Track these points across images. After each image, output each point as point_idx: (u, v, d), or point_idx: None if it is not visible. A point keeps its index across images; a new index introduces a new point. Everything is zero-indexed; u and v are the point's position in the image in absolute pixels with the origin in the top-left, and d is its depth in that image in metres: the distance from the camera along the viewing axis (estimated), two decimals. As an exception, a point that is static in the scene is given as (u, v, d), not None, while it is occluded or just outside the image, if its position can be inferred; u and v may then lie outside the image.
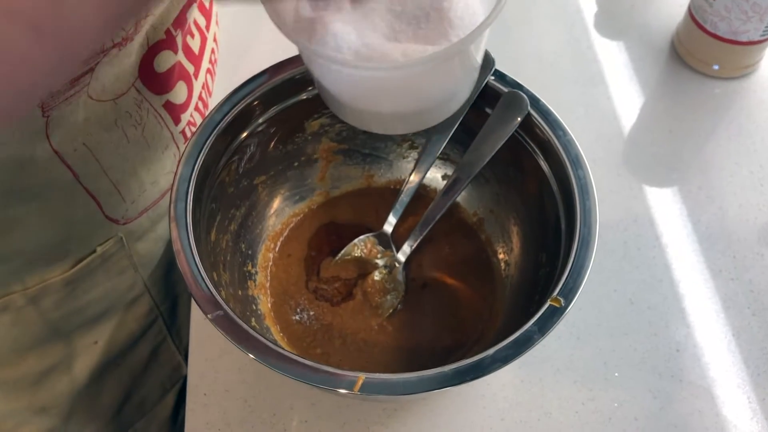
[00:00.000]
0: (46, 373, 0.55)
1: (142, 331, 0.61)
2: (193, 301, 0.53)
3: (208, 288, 0.40)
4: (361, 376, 0.37)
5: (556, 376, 0.50)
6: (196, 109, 0.57)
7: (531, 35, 0.72)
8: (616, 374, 0.50)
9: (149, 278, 0.59)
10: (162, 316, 0.62)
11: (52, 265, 0.50)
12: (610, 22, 0.73)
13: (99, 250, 0.52)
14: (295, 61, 0.49)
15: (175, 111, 0.53)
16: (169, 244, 0.59)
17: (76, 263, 0.51)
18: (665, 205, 0.59)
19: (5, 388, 0.54)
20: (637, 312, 0.53)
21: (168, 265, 0.61)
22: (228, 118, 0.46)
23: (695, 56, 0.66)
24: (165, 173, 0.54)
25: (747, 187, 0.60)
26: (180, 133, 0.55)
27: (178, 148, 0.55)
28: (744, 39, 0.62)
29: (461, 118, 0.49)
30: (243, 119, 0.48)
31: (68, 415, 0.58)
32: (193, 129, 0.55)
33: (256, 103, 0.48)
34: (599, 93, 0.67)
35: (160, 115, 0.52)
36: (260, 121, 0.49)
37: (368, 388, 0.37)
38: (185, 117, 0.55)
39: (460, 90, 0.41)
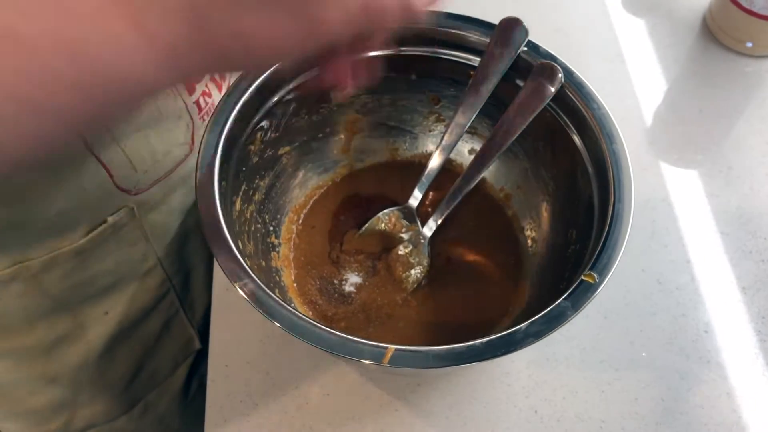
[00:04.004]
0: (57, 342, 0.54)
1: (154, 303, 0.60)
2: (215, 271, 0.53)
3: (236, 257, 0.39)
4: (391, 348, 0.36)
5: (582, 355, 0.49)
6: (212, 79, 0.56)
7: (559, 10, 0.70)
8: (643, 354, 0.49)
9: (162, 250, 0.58)
10: (174, 289, 0.61)
11: (63, 235, 0.49)
12: (639, -2, 0.71)
13: (110, 220, 0.51)
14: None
15: (189, 80, 0.52)
16: (182, 215, 0.59)
17: (87, 233, 0.50)
18: (695, 185, 0.58)
19: (16, 357, 0.54)
20: (665, 292, 0.52)
21: (182, 237, 0.60)
22: (254, 86, 0.45)
23: (728, 33, 0.64)
24: (178, 144, 0.53)
25: (779, 168, 0.58)
26: (194, 103, 0.53)
27: (191, 118, 0.53)
28: (780, 16, 0.60)
29: (491, 91, 0.48)
30: (269, 87, 0.47)
31: (79, 385, 0.58)
32: (208, 100, 0.54)
33: (282, 70, 0.47)
34: (628, 70, 0.65)
35: (174, 85, 0.51)
36: (286, 89, 0.48)
37: (398, 360, 0.36)
38: (200, 87, 0.54)
39: None
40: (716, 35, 0.66)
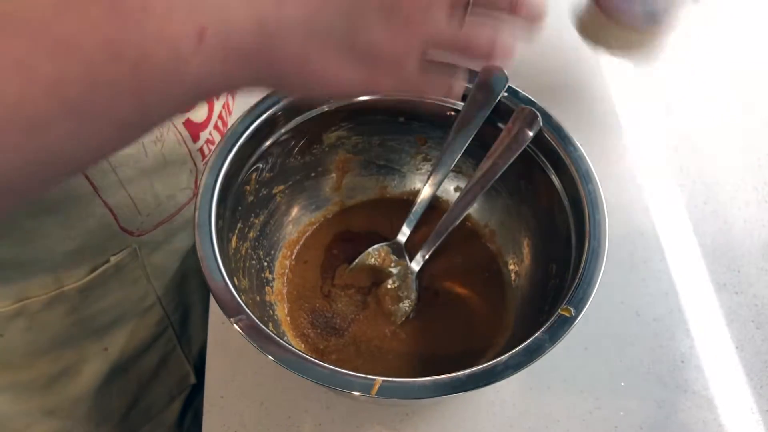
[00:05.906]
0: (57, 377, 0.56)
1: (152, 340, 0.62)
2: (211, 306, 0.55)
3: (231, 293, 0.41)
4: (378, 380, 0.38)
5: (563, 384, 0.51)
6: (216, 127, 0.58)
7: (538, 52, 0.73)
8: (622, 384, 0.51)
9: (162, 289, 0.60)
10: (172, 326, 0.63)
11: (67, 274, 0.51)
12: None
13: (113, 260, 0.53)
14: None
15: (194, 129, 0.55)
16: (183, 256, 0.61)
17: (90, 272, 0.52)
18: (671, 220, 0.60)
19: (16, 390, 0.55)
20: (643, 323, 0.54)
21: (181, 276, 0.62)
22: (250, 130, 0.48)
23: None
24: (181, 189, 0.55)
25: (752, 203, 0.61)
26: (198, 150, 0.56)
27: (195, 164, 0.56)
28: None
29: (475, 133, 0.51)
30: (264, 130, 0.49)
31: (76, 418, 0.59)
32: (211, 147, 0.57)
33: (277, 115, 0.49)
34: (606, 109, 0.68)
35: (180, 133, 0.53)
36: (281, 132, 0.50)
37: (385, 392, 0.38)
38: (204, 135, 0.56)
39: None
40: None
